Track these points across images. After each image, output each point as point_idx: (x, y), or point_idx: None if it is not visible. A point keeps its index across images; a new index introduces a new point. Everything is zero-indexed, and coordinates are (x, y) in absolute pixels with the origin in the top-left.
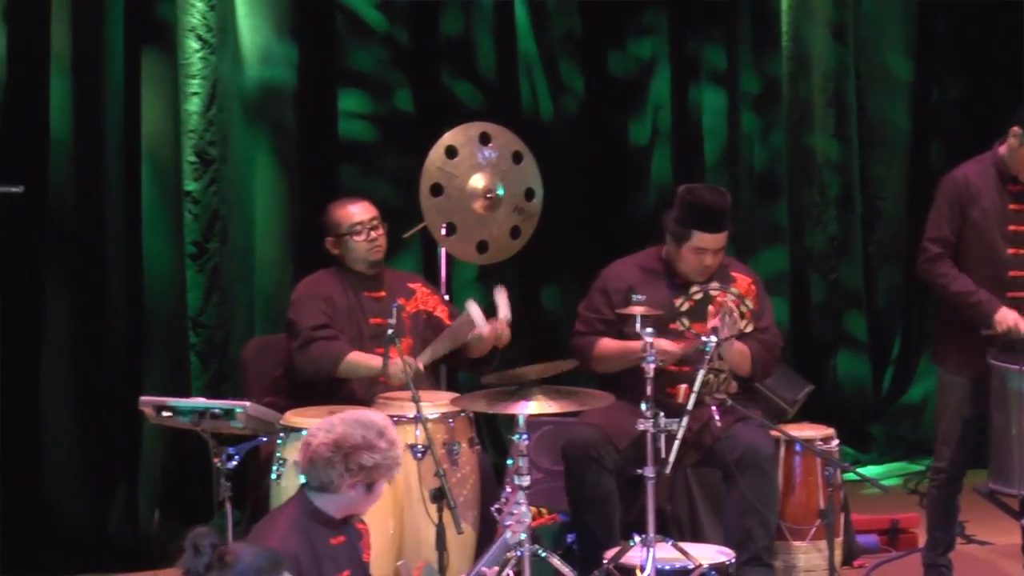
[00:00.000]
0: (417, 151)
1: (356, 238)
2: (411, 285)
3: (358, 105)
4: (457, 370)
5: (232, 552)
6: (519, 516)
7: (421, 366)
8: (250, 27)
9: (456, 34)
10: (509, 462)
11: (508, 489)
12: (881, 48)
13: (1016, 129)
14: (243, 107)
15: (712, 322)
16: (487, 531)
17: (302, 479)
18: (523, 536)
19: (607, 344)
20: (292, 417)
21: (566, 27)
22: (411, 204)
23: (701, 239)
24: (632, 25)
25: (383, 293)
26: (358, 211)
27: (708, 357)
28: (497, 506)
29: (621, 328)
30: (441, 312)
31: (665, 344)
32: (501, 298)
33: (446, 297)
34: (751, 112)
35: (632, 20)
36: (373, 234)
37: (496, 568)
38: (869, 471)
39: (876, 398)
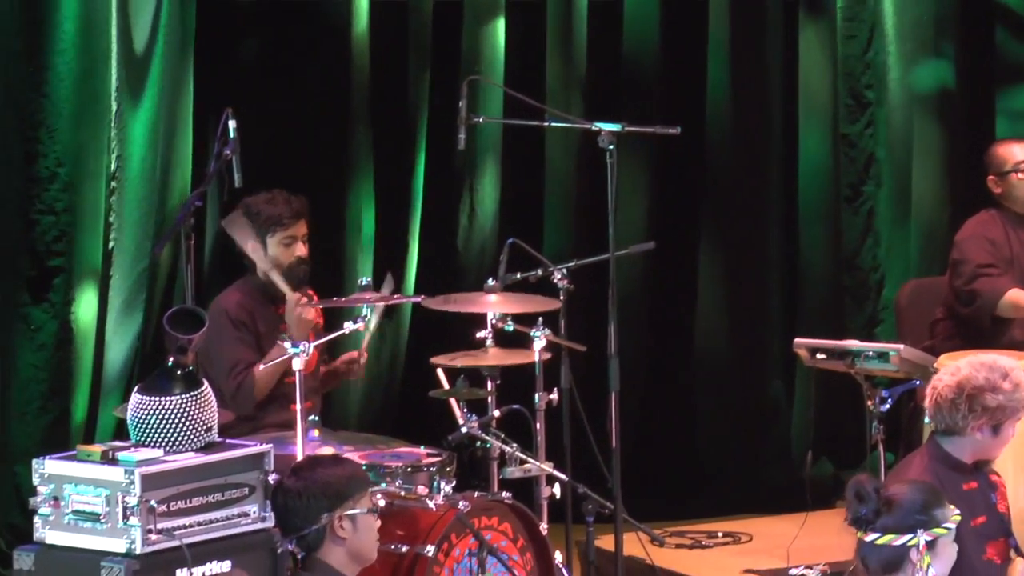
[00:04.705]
0: None
1: (1019, 176)
2: None
3: None
4: None
5: (894, 493)
6: None
7: None
8: None
9: None
10: None
11: None
12: None
13: None
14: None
15: None
16: None
17: (926, 422)
18: None
19: None
20: (945, 360)
21: None
22: None
23: None
24: None
25: None
26: (1022, 150)
27: None
28: None
29: None
30: None
31: None
32: None
33: None
34: None
35: None
36: None
37: None
38: None
39: None
